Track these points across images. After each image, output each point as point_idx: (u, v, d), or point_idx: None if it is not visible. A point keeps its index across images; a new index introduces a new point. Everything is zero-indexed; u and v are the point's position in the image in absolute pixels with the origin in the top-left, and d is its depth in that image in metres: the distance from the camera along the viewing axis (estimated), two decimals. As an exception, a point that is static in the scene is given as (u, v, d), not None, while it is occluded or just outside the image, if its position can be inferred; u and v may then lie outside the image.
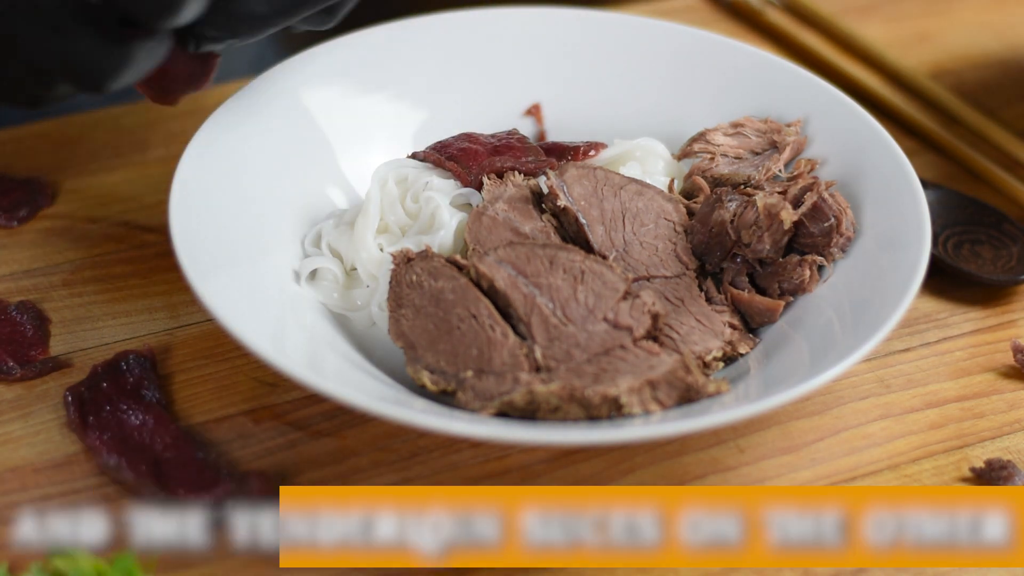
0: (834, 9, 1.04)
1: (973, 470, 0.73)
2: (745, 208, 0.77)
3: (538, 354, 0.72)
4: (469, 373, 0.71)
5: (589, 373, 0.71)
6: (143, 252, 0.83)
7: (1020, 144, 0.92)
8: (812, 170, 0.81)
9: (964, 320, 0.81)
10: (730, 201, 0.78)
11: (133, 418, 0.73)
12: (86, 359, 0.76)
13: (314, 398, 0.75)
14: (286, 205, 0.81)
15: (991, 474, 0.73)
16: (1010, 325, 0.81)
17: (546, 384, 0.70)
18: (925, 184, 0.87)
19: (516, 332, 0.73)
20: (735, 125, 0.85)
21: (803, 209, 0.77)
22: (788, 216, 0.77)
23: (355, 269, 0.78)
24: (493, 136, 0.82)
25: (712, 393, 0.71)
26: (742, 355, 0.75)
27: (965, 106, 0.95)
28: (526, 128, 0.87)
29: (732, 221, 0.77)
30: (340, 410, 0.74)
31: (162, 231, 0.83)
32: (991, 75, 0.99)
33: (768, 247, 0.77)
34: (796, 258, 0.77)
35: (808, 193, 0.78)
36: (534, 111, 0.88)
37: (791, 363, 0.73)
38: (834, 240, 0.77)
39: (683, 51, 0.88)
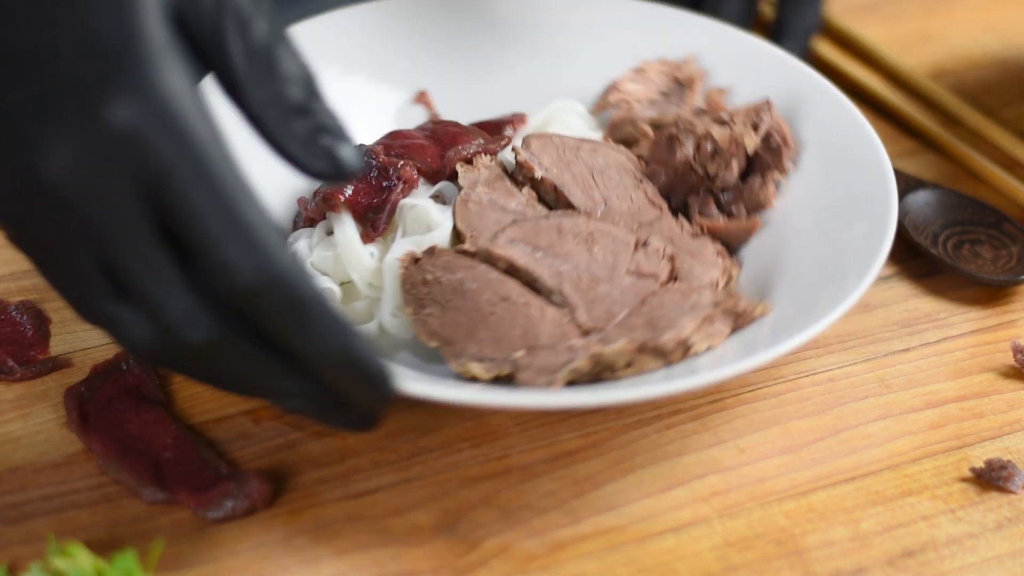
0: (834, 9, 1.04)
1: (973, 470, 0.73)
2: (702, 143, 0.81)
3: (582, 318, 0.73)
4: (520, 353, 0.72)
5: (640, 325, 0.73)
6: (143, 252, 0.83)
7: (1020, 144, 0.92)
8: (723, 97, 0.86)
9: (964, 320, 0.81)
10: (686, 139, 0.81)
11: (133, 418, 0.73)
12: (86, 359, 0.76)
13: (314, 398, 0.75)
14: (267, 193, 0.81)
15: (991, 474, 0.73)
16: (1010, 325, 0.81)
17: (610, 344, 0.71)
18: (925, 184, 0.87)
19: (551, 304, 0.74)
20: (637, 71, 0.88)
21: (763, 131, 0.81)
22: (752, 141, 0.81)
23: (349, 282, 0.77)
24: (420, 128, 0.82)
25: (759, 315, 0.74)
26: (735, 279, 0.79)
27: (965, 106, 0.95)
28: (416, 117, 0.87)
29: (695, 157, 0.81)
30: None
31: (162, 231, 0.83)
32: (991, 75, 0.99)
33: (736, 174, 0.81)
34: (759, 179, 0.81)
35: (762, 114, 0.82)
36: (421, 98, 0.88)
37: (790, 314, 0.74)
38: (784, 155, 0.81)
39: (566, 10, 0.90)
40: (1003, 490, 0.72)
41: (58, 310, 0.79)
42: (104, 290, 0.59)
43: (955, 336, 0.80)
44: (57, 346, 0.77)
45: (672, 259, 0.77)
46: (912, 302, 0.82)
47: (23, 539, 0.68)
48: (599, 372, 0.71)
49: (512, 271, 0.75)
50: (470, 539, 0.69)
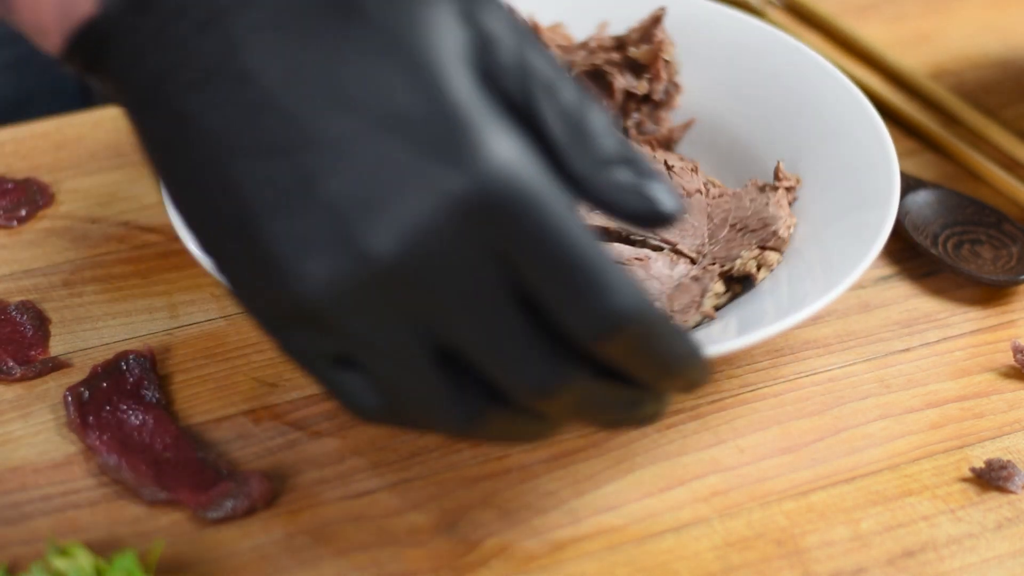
0: (834, 9, 1.04)
1: (973, 470, 0.73)
2: (621, 68, 0.85)
3: (685, 248, 0.77)
4: (658, 303, 0.74)
5: (733, 234, 0.77)
6: (143, 252, 0.83)
7: (1020, 144, 0.92)
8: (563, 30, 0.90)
9: (964, 320, 0.81)
10: (611, 70, 0.86)
11: (133, 418, 0.73)
12: (86, 359, 0.76)
13: (314, 398, 0.75)
14: None
15: (991, 474, 0.73)
16: (1010, 325, 0.81)
17: (731, 261, 0.76)
18: (925, 184, 0.87)
19: (653, 249, 0.78)
20: None
21: (667, 37, 0.86)
22: (671, 48, 0.85)
23: None
24: None
25: (798, 185, 0.81)
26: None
27: (965, 106, 0.95)
28: None
29: (628, 82, 0.86)
30: (340, 409, 0.74)
31: (162, 231, 0.83)
32: (991, 75, 0.99)
33: (667, 81, 0.85)
34: (673, 86, 0.86)
35: (659, 22, 0.86)
36: None
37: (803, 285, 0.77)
38: (670, 54, 0.87)
39: None
40: (1003, 490, 0.72)
41: (58, 310, 0.79)
42: (432, 374, 0.58)
43: (955, 336, 0.80)
44: (57, 346, 0.77)
45: (696, 171, 0.81)
46: (912, 302, 0.82)
47: (23, 539, 0.68)
48: (728, 288, 0.76)
49: (606, 236, 0.78)
50: (470, 539, 0.69)
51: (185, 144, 0.57)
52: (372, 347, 0.57)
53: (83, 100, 1.04)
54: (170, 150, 0.58)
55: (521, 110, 0.58)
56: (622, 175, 0.59)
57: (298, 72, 0.56)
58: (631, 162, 0.59)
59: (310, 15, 0.57)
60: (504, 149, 0.55)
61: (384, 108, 0.55)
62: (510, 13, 0.59)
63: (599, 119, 0.59)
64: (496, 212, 0.55)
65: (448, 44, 0.56)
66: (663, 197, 0.59)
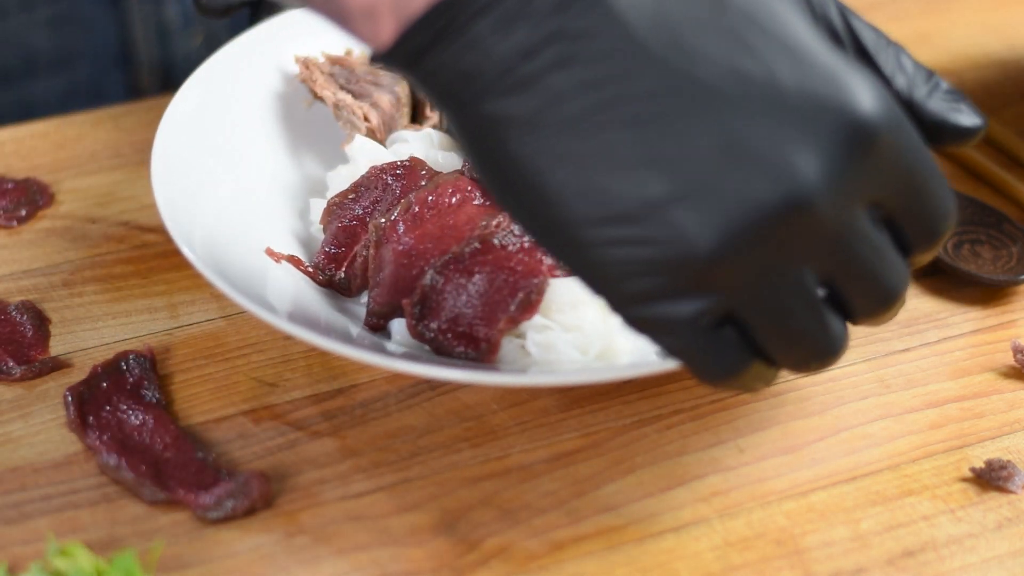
0: (834, 9, 1.04)
1: (973, 470, 0.73)
2: None
3: None
4: None
5: None
6: (143, 252, 0.83)
7: (1020, 144, 0.92)
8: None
9: (964, 320, 0.81)
10: None
11: (133, 418, 0.73)
12: (86, 359, 0.76)
13: (314, 398, 0.75)
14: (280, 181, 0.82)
15: (991, 474, 0.73)
16: (1010, 325, 0.81)
17: None
18: (925, 184, 0.87)
19: None
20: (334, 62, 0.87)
21: None
22: None
23: None
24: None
25: None
26: None
27: (965, 106, 0.95)
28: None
29: None
30: (340, 410, 0.74)
31: (162, 231, 0.83)
32: (991, 75, 0.99)
33: None
34: None
35: None
36: None
37: None
38: None
39: None
40: (1003, 490, 0.72)
41: (58, 310, 0.79)
42: (820, 309, 0.61)
43: (955, 336, 0.80)
44: (57, 346, 0.77)
45: None
46: (912, 302, 0.82)
47: (23, 539, 0.68)
48: None
49: None
50: (470, 539, 0.69)
51: (560, 121, 0.57)
52: (766, 289, 0.59)
53: (122, 61, 1.03)
54: (542, 129, 0.57)
55: (856, 56, 0.64)
56: (944, 97, 0.66)
57: (672, 36, 0.57)
58: (942, 88, 0.66)
59: None
60: (871, 89, 0.58)
61: (749, 63, 0.58)
62: None
63: (909, 58, 0.65)
64: (878, 144, 0.58)
65: (798, 7, 0.60)
66: (975, 112, 0.66)
